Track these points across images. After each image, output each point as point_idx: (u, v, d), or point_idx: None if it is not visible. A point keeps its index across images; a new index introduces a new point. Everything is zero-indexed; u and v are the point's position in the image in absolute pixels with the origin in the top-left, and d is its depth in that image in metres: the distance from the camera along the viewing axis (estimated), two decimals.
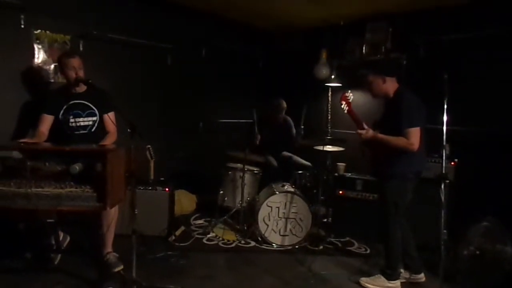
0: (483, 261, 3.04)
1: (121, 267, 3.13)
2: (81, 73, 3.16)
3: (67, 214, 2.66)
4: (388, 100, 3.16)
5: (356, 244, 4.15)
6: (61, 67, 3.22)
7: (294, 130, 5.11)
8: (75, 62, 3.15)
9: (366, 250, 4.04)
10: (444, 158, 2.34)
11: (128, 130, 2.71)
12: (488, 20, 4.01)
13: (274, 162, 4.84)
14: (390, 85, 3.12)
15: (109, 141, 3.26)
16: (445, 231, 2.28)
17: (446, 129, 2.48)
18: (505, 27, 3.83)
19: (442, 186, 2.30)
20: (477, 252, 3.08)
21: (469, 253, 3.11)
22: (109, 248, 3.27)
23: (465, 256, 3.11)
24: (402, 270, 3.27)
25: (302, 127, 4.83)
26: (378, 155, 3.14)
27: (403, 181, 3.01)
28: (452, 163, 3.83)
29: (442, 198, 2.29)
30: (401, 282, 3.20)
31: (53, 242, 3.29)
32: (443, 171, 2.32)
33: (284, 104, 4.95)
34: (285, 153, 5.13)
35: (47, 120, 3.18)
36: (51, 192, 2.49)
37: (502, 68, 3.94)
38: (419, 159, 3.01)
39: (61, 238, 3.46)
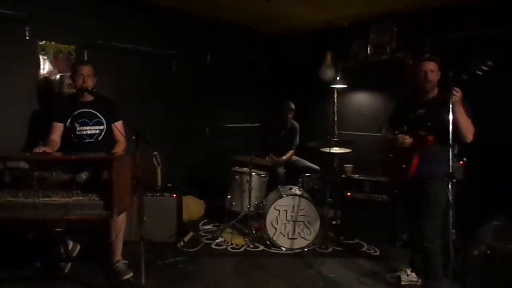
0: (494, 261, 2.99)
1: (131, 274, 3.13)
2: (90, 82, 3.20)
3: (75, 222, 2.67)
4: (429, 98, 2.96)
5: (366, 246, 4.12)
6: (72, 74, 3.27)
7: (298, 138, 5.11)
8: (85, 70, 3.19)
9: (375, 251, 4.00)
10: (451, 157, 2.31)
11: (133, 137, 2.73)
12: (495, 18, 3.95)
13: (281, 167, 4.82)
14: (437, 83, 2.96)
15: (118, 150, 3.28)
16: (453, 230, 2.24)
17: (453, 128, 2.44)
18: None
19: (450, 185, 2.27)
20: (488, 252, 3.03)
21: (479, 253, 3.05)
22: (118, 256, 3.27)
23: (475, 256, 3.06)
24: (409, 271, 3.24)
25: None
26: (418, 156, 2.88)
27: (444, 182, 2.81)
28: (461, 162, 3.79)
29: (450, 197, 2.26)
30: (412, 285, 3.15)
31: (62, 250, 3.31)
32: (450, 170, 2.28)
33: (292, 105, 4.95)
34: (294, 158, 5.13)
35: (58, 128, 3.22)
36: (59, 201, 2.51)
37: (510, 67, 3.88)
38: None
39: (70, 246, 3.49)
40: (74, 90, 3.36)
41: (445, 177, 2.39)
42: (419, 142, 2.87)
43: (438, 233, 2.81)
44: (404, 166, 2.91)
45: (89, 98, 3.28)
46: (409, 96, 3.18)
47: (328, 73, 5.24)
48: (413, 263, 3.27)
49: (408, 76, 3.04)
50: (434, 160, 2.79)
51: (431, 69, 2.91)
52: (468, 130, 2.76)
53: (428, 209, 2.80)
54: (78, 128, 3.23)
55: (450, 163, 2.28)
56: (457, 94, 2.60)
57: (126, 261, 3.26)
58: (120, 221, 3.13)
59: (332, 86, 5.21)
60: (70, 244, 3.49)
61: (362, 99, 5.41)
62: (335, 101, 5.43)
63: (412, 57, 3.10)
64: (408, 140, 2.94)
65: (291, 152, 5.06)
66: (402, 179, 2.96)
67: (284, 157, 4.96)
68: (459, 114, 2.68)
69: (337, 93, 5.41)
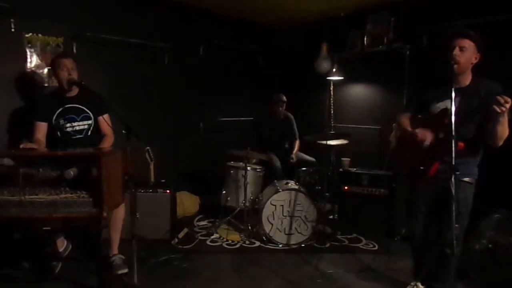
0: (496, 255, 2.94)
1: (126, 270, 3.08)
2: (74, 75, 3.09)
3: (64, 220, 2.59)
4: (460, 86, 2.50)
5: (364, 241, 4.06)
6: (54, 69, 3.14)
7: (295, 128, 5.04)
8: (68, 63, 3.08)
9: (374, 246, 3.95)
10: (453, 150, 2.22)
11: (123, 131, 2.63)
12: (495, 5, 3.87)
13: (277, 161, 4.75)
14: (471, 68, 2.52)
15: (106, 144, 3.20)
16: (457, 225, 2.17)
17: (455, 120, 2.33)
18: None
19: (452, 179, 2.19)
20: (489, 246, 2.98)
21: (481, 247, 3.01)
22: (115, 250, 3.23)
23: (477, 250, 3.01)
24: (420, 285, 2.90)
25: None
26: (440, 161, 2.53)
27: (472, 186, 2.62)
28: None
29: (453, 190, 2.18)
30: None
31: (52, 250, 3.23)
32: (453, 163, 2.20)
33: (284, 98, 4.90)
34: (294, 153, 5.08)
35: (41, 127, 3.10)
36: (46, 199, 2.42)
37: (509, 54, 3.80)
38: None
39: (64, 246, 3.42)
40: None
41: (452, 171, 2.19)
42: (443, 147, 2.35)
43: (462, 238, 2.63)
44: (422, 168, 2.58)
45: (73, 92, 3.17)
46: (438, 80, 2.62)
47: (324, 65, 5.17)
48: (419, 274, 2.91)
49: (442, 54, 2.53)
50: (461, 164, 2.30)
51: (463, 46, 2.43)
52: (503, 137, 2.41)
53: (458, 216, 2.31)
54: (65, 125, 3.13)
55: (453, 155, 2.19)
56: (507, 105, 2.18)
57: (123, 257, 3.20)
58: (121, 216, 3.13)
59: (328, 78, 5.14)
60: (63, 243, 3.41)
61: (359, 91, 5.34)
62: (331, 93, 5.36)
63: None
64: (429, 139, 2.55)
65: (297, 142, 5.01)
66: (418, 179, 2.69)
67: (294, 151, 4.94)
68: (501, 123, 2.32)
69: (333, 85, 5.34)
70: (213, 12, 5.10)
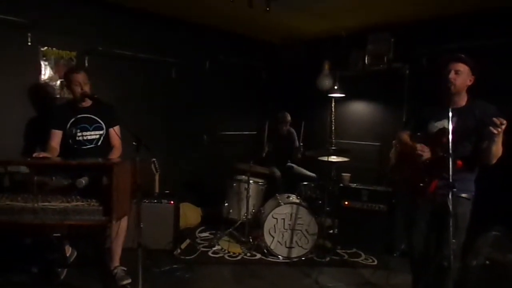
0: (493, 272, 2.99)
1: (129, 280, 3.13)
2: (86, 88, 3.20)
3: (74, 228, 2.66)
4: (456, 106, 2.60)
5: (363, 255, 4.11)
6: (67, 83, 3.27)
7: (297, 143, 5.14)
8: (80, 77, 3.19)
9: (373, 261, 4.00)
10: (450, 167, 2.31)
11: (134, 143, 2.73)
12: (493, 28, 4.01)
13: (278, 174, 4.83)
14: (466, 90, 2.65)
15: (115, 155, 3.29)
16: (453, 240, 2.24)
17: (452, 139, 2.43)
18: (509, 36, 3.82)
19: (450, 195, 2.27)
20: (487, 262, 3.03)
21: (478, 263, 3.05)
22: (116, 262, 3.27)
23: (474, 267, 3.06)
24: None
25: (301, 144, 4.83)
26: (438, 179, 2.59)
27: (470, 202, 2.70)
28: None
29: (450, 207, 2.26)
30: None
31: (60, 256, 3.29)
32: (450, 180, 2.29)
33: (289, 117, 5.00)
34: (289, 164, 5.16)
35: (56, 135, 3.21)
36: (58, 206, 2.49)
37: (508, 77, 3.91)
38: None
39: (69, 252, 3.48)
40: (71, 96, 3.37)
41: (451, 189, 2.27)
42: (442, 164, 2.40)
43: (459, 253, 2.69)
44: (422, 185, 2.64)
45: (87, 103, 3.29)
46: (436, 100, 2.73)
47: (326, 82, 5.27)
48: None
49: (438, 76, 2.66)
50: (459, 180, 2.38)
51: (458, 70, 2.56)
52: (497, 156, 2.51)
53: (456, 231, 2.39)
54: (78, 134, 3.23)
55: (450, 173, 2.28)
56: (502, 126, 2.28)
57: (125, 268, 3.25)
58: (124, 227, 3.16)
59: (330, 95, 5.24)
60: (69, 250, 3.47)
61: (360, 108, 5.45)
62: (333, 110, 5.46)
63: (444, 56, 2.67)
64: (427, 154, 2.63)
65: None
66: (417, 195, 2.74)
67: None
68: (496, 143, 2.42)
69: (334, 102, 5.43)
70: (219, 29, 5.24)
